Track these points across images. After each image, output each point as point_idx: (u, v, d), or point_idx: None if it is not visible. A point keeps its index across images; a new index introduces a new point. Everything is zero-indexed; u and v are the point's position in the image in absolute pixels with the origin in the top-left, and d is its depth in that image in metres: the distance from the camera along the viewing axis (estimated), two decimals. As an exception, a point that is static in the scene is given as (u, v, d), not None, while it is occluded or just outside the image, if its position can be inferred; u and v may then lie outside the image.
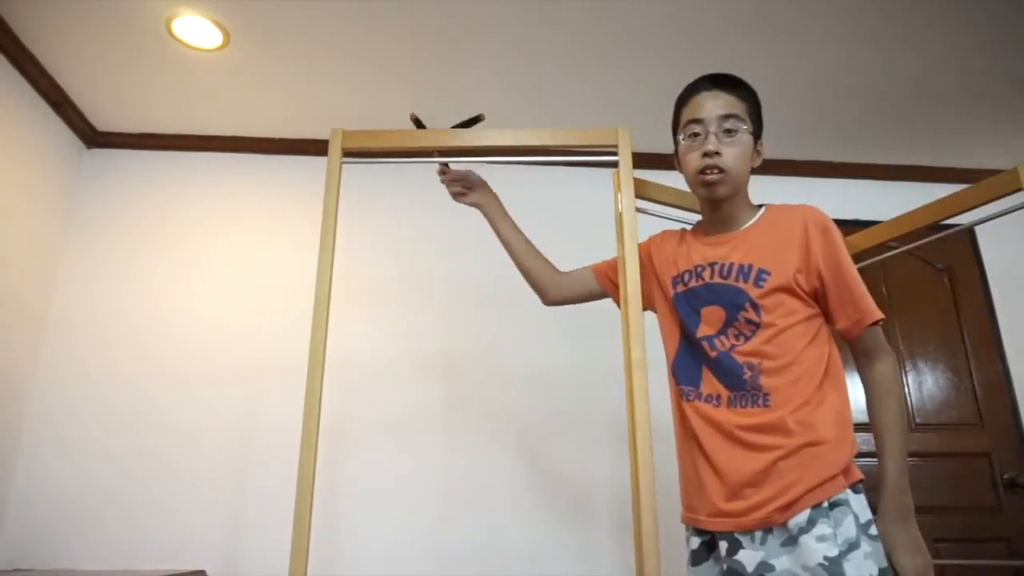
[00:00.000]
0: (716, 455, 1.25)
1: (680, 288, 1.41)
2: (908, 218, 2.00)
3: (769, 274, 1.28)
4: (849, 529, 1.13)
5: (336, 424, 2.53)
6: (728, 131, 1.31)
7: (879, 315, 1.27)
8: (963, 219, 2.04)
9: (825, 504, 1.15)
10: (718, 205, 1.37)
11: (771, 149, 3.06)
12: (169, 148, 2.87)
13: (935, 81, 2.55)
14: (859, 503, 1.18)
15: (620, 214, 1.84)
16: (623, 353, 1.79)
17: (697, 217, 2.04)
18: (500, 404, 2.64)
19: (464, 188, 1.77)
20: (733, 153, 1.31)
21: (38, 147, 2.54)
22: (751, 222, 1.37)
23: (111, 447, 2.49)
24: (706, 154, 1.31)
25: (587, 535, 2.52)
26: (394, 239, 2.83)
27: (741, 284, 1.30)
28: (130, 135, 2.86)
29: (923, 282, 2.99)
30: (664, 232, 1.55)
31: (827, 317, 1.31)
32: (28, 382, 2.51)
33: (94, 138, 2.83)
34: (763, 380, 1.24)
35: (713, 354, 1.31)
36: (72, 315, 2.63)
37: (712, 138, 1.31)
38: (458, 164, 1.87)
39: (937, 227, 2.14)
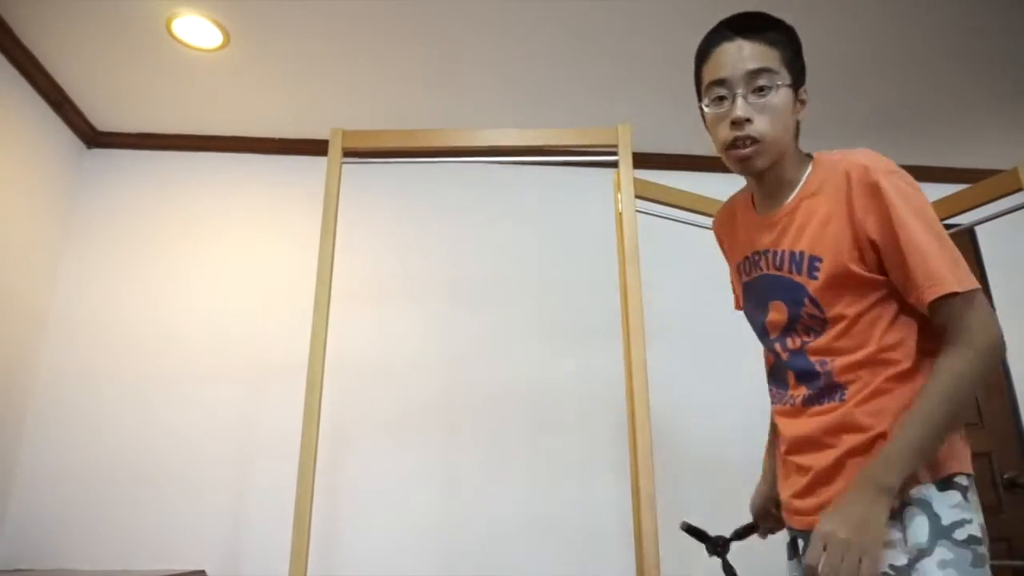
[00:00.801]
0: (791, 451, 1.15)
1: (745, 277, 1.26)
2: (908, 218, 2.00)
3: (821, 261, 1.08)
4: (920, 533, 0.97)
5: (336, 424, 2.53)
6: (759, 90, 1.09)
7: (955, 285, 0.99)
8: (963, 219, 2.05)
9: (895, 504, 0.98)
10: (760, 177, 1.17)
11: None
12: (169, 148, 2.87)
13: (935, 82, 2.55)
14: (945, 501, 0.99)
15: (620, 214, 1.84)
16: (623, 354, 1.79)
17: (702, 219, 2.02)
18: (500, 404, 2.64)
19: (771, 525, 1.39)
20: (767, 117, 1.09)
21: (38, 147, 2.54)
22: (796, 192, 1.15)
23: (111, 447, 2.49)
24: (734, 123, 1.09)
25: (587, 535, 2.52)
26: (394, 239, 2.83)
27: (795, 276, 1.12)
28: (130, 135, 2.86)
29: None
30: (724, 206, 1.35)
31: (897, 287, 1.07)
32: (28, 382, 2.51)
33: (94, 138, 2.83)
34: (838, 377, 1.08)
35: (785, 356, 1.17)
36: (72, 315, 2.63)
37: (740, 102, 1.09)
38: (459, 164, 1.87)
39: (937, 227, 2.15)
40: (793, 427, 1.14)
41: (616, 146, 1.81)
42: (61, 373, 2.56)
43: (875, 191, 1.04)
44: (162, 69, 2.46)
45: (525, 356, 2.71)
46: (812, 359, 1.12)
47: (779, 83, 1.10)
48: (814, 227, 1.10)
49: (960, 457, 1.04)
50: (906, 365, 1.05)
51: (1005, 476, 2.73)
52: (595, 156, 1.95)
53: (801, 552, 1.13)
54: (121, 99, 2.64)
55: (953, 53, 2.40)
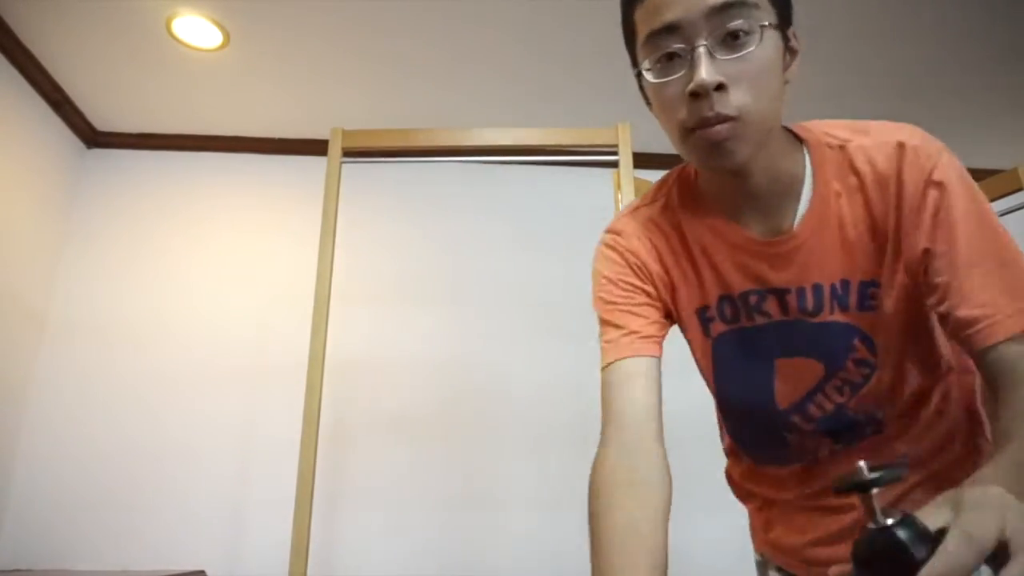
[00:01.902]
0: (810, 497, 0.91)
1: (720, 327, 0.86)
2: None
3: (878, 286, 0.77)
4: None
5: (336, 424, 2.52)
6: (733, 38, 0.69)
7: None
8: (963, 219, 2.05)
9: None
10: (743, 175, 0.77)
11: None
12: (169, 148, 2.87)
13: (935, 81, 2.55)
14: None
15: (620, 214, 1.84)
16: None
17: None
18: (500, 404, 2.64)
19: None
20: (749, 81, 0.69)
21: (38, 147, 2.54)
22: (806, 194, 0.78)
23: (111, 447, 2.49)
24: (696, 93, 0.69)
25: (587, 534, 2.51)
26: (394, 239, 2.83)
27: (839, 316, 0.79)
28: (130, 135, 2.86)
29: None
30: (646, 209, 0.90)
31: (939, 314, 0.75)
32: (28, 382, 2.51)
33: (94, 138, 2.83)
34: (894, 419, 0.84)
35: (809, 427, 0.86)
36: (72, 315, 2.63)
37: (704, 60, 0.68)
38: (459, 164, 1.87)
39: (937, 227, 2.15)
40: (810, 480, 0.90)
41: (616, 146, 1.81)
42: (60, 373, 2.56)
43: (935, 191, 0.73)
44: (162, 69, 2.46)
45: (525, 356, 2.71)
46: (858, 416, 0.83)
47: (763, 23, 0.70)
48: (856, 239, 0.77)
49: None
50: (963, 392, 0.85)
51: (1005, 476, 2.72)
52: (595, 156, 1.95)
53: None
54: (121, 99, 2.64)
55: (954, 53, 2.40)
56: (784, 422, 0.87)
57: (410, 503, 2.51)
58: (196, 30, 2.25)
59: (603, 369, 0.85)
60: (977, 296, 0.69)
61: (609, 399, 0.84)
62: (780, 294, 0.81)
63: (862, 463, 0.44)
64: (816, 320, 0.80)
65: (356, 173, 2.63)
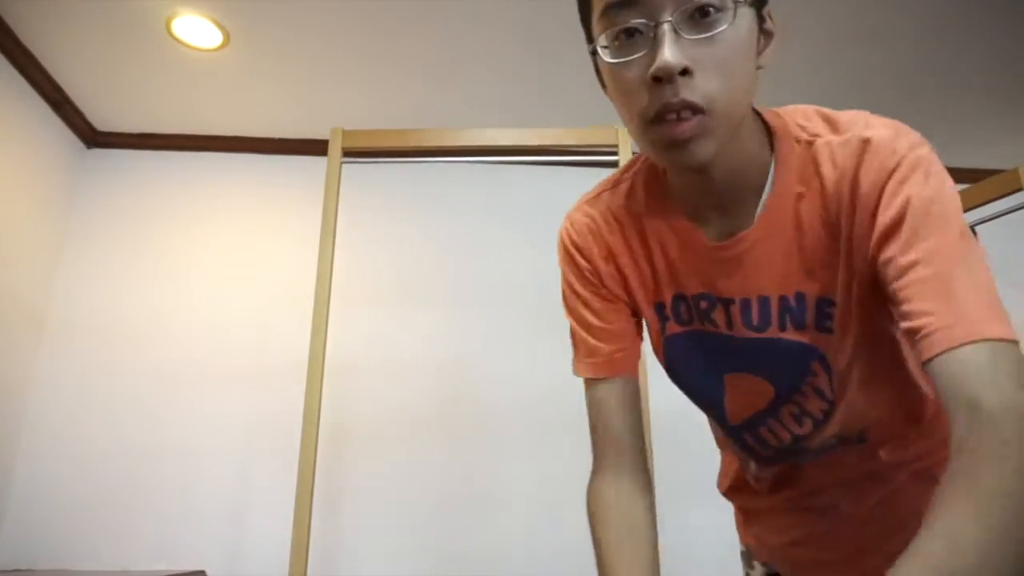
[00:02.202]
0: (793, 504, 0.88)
1: (676, 327, 0.80)
2: (908, 218, 2.00)
3: (834, 304, 0.70)
4: None
5: (336, 424, 2.52)
6: (702, 14, 0.61)
7: (997, 330, 0.58)
8: (963, 219, 2.04)
9: None
10: (704, 171, 0.68)
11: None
12: (169, 148, 2.87)
13: (935, 81, 2.55)
14: None
15: (620, 214, 1.84)
16: (623, 353, 1.79)
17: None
18: (500, 403, 2.64)
19: None
20: (718, 66, 0.62)
21: (38, 147, 2.54)
22: (767, 191, 0.70)
23: (111, 447, 2.49)
24: (659, 78, 0.61)
25: (588, 534, 2.51)
26: (394, 239, 2.83)
27: (792, 334, 0.72)
28: (130, 135, 2.86)
29: None
30: (605, 200, 0.84)
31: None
32: (28, 382, 2.51)
33: (94, 138, 2.83)
34: (879, 449, 0.78)
35: (767, 452, 0.82)
36: (72, 315, 2.63)
37: (669, 39, 0.60)
38: (459, 164, 1.87)
39: (937, 227, 2.15)
40: (788, 485, 0.87)
41: (616, 146, 1.81)
42: (60, 373, 2.56)
43: (893, 186, 0.65)
44: (162, 69, 2.46)
45: (525, 355, 2.71)
46: (824, 449, 0.79)
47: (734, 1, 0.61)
48: (815, 250, 0.69)
49: None
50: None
51: (1005, 476, 2.72)
52: (595, 156, 1.95)
53: None
54: (121, 99, 2.64)
55: (954, 53, 2.39)
56: (739, 438, 0.83)
57: (410, 503, 2.51)
58: (196, 30, 2.25)
59: (584, 382, 0.84)
60: (922, 304, 0.60)
61: (593, 422, 0.84)
62: (726, 304, 0.73)
63: None
64: (763, 336, 0.73)
65: (356, 173, 2.62)
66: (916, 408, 0.77)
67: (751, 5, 0.64)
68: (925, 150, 0.67)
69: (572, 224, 0.87)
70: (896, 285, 0.62)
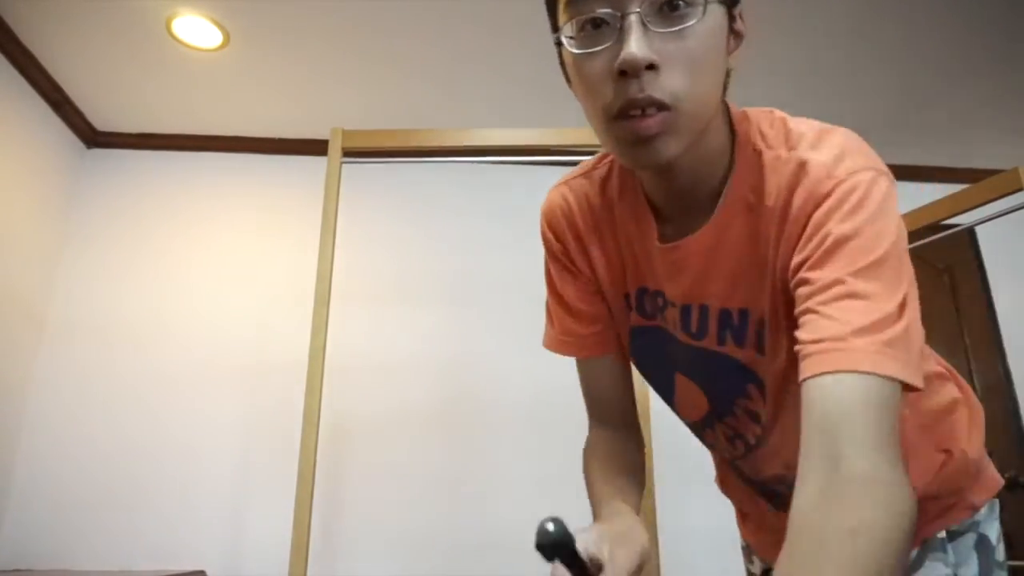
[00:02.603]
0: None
1: (636, 319, 0.79)
2: (908, 218, 2.00)
3: (764, 326, 0.70)
4: (973, 566, 0.77)
5: (336, 424, 2.52)
6: (669, 6, 0.59)
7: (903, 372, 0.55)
8: (963, 219, 2.05)
9: (941, 535, 0.77)
10: (667, 171, 0.67)
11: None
12: (169, 148, 2.87)
13: (935, 81, 2.54)
14: (992, 522, 0.81)
15: (620, 214, 1.84)
16: (623, 353, 1.79)
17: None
18: (500, 403, 2.64)
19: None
20: (686, 61, 0.60)
21: (38, 147, 2.54)
22: (723, 199, 0.68)
23: (111, 447, 2.49)
24: (624, 71, 0.59)
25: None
26: (394, 239, 2.83)
27: (731, 350, 0.71)
28: (130, 135, 2.86)
29: (923, 282, 2.92)
30: (582, 185, 0.81)
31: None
32: (27, 382, 2.51)
33: (94, 138, 2.83)
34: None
35: (728, 456, 0.85)
36: (72, 315, 2.63)
37: (636, 31, 0.58)
38: (459, 164, 1.87)
39: (937, 227, 2.15)
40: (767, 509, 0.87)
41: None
42: (60, 373, 2.55)
43: (824, 212, 0.61)
44: (162, 69, 2.46)
45: (525, 355, 2.70)
46: (770, 477, 0.78)
47: None
48: (755, 266, 0.67)
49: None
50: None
51: (1005, 476, 2.73)
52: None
53: None
54: (121, 99, 2.64)
55: (953, 53, 2.39)
56: (698, 435, 0.85)
57: (410, 502, 2.50)
58: (196, 30, 2.25)
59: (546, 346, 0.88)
60: (812, 329, 0.57)
61: (584, 390, 0.88)
62: (672, 306, 0.73)
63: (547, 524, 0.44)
64: (700, 345, 0.71)
65: (356, 173, 2.63)
66: None
67: (721, 2, 0.62)
68: (866, 177, 0.61)
69: (549, 204, 0.84)
70: (798, 310, 0.59)
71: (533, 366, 2.69)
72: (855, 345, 0.54)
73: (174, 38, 2.29)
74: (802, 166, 0.62)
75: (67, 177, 2.73)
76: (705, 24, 0.59)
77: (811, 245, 0.60)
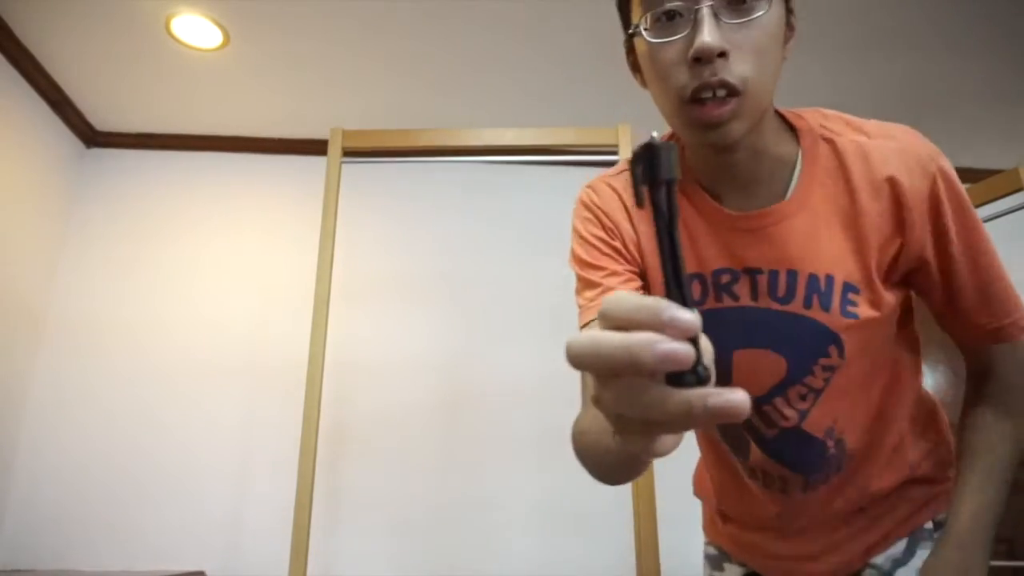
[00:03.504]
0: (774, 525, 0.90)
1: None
2: (908, 218, 1.99)
3: (859, 293, 0.74)
4: None
5: (335, 424, 2.52)
6: (739, 2, 0.66)
7: None
8: (963, 219, 2.04)
9: (928, 525, 0.86)
10: (731, 150, 0.73)
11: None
12: (169, 148, 2.87)
13: (935, 82, 2.54)
14: None
15: (620, 214, 1.84)
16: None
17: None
18: (500, 404, 2.64)
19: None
20: (753, 50, 0.66)
21: (38, 147, 2.53)
22: (795, 178, 0.75)
23: (110, 447, 2.49)
24: (699, 58, 0.65)
25: (587, 535, 2.51)
26: (393, 239, 2.83)
27: (817, 313, 0.75)
28: (130, 135, 2.86)
29: None
30: (608, 184, 0.87)
31: (936, 318, 0.82)
32: (27, 382, 2.51)
33: (94, 138, 2.83)
34: (850, 445, 0.82)
35: (771, 432, 0.82)
36: (71, 315, 2.63)
37: (708, 23, 0.64)
38: (459, 164, 1.87)
39: (937, 227, 2.14)
40: (774, 510, 0.90)
41: (616, 146, 1.81)
42: (60, 372, 2.55)
43: (946, 190, 0.73)
44: (162, 69, 2.46)
45: (525, 355, 2.71)
46: (817, 434, 0.81)
47: None
48: (839, 239, 0.73)
49: None
50: (908, 399, 0.87)
51: (1005, 476, 2.73)
52: (595, 156, 1.95)
53: None
54: (121, 99, 2.64)
55: (953, 53, 2.39)
56: (743, 421, 0.83)
57: (410, 503, 2.50)
58: (196, 30, 2.25)
59: (581, 329, 0.80)
60: (993, 300, 0.76)
61: None
62: (752, 274, 0.76)
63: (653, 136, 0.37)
64: (786, 309, 0.75)
65: (356, 173, 2.63)
66: (890, 412, 0.84)
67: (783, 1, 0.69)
68: (944, 157, 0.75)
69: (595, 190, 0.87)
70: (959, 281, 0.75)
71: (533, 366, 2.69)
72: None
73: (174, 38, 2.29)
74: (902, 152, 0.73)
75: (67, 177, 2.73)
76: (770, 16, 0.66)
77: (941, 226, 0.73)
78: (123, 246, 2.73)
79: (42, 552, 2.37)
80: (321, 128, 2.80)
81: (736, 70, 0.65)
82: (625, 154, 1.80)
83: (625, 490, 2.44)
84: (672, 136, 0.83)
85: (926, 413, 0.90)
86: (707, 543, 1.04)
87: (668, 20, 0.67)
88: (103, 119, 2.77)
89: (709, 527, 1.03)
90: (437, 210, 2.88)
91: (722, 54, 0.64)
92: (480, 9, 2.18)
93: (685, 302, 0.35)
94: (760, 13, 0.65)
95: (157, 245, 2.75)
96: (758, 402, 0.81)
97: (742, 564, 0.98)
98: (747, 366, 0.79)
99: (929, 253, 0.74)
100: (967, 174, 3.09)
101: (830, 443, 0.81)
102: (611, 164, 1.84)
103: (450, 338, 2.71)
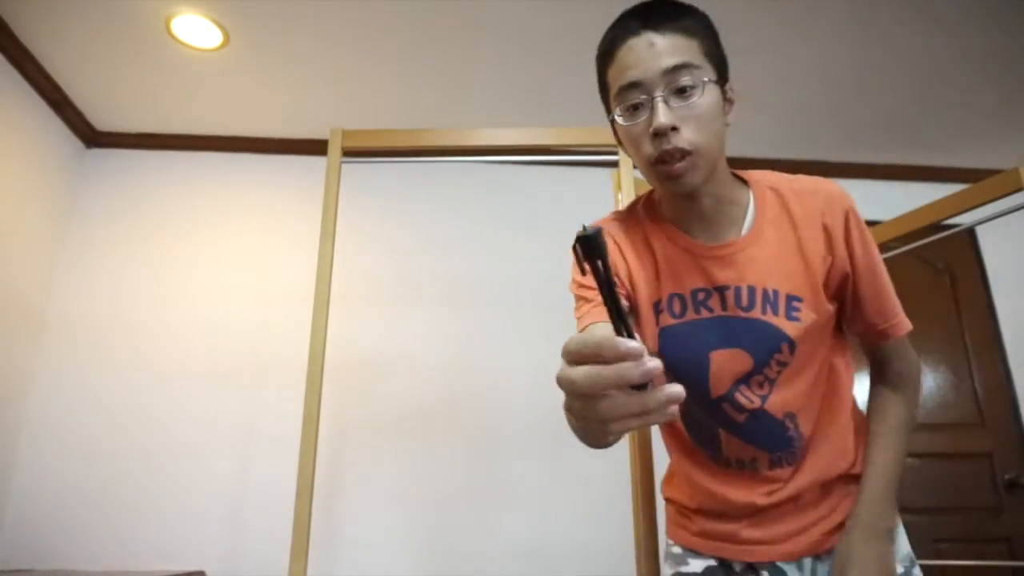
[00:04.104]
0: (739, 489, 1.06)
1: (670, 320, 1.02)
2: (908, 218, 1.99)
3: (802, 301, 0.97)
4: (904, 542, 1.04)
5: (336, 424, 2.52)
6: (681, 92, 0.90)
7: (909, 325, 1.04)
8: (963, 219, 2.04)
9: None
10: (695, 197, 0.98)
11: (770, 150, 3.07)
12: (169, 148, 2.87)
13: (935, 82, 2.54)
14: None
15: (620, 214, 1.84)
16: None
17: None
18: (500, 403, 2.64)
19: None
20: (696, 123, 0.90)
21: (38, 147, 2.54)
22: (749, 219, 1.00)
23: (110, 447, 2.49)
24: (658, 133, 0.89)
25: (587, 533, 2.51)
26: (394, 239, 2.83)
27: (772, 318, 0.97)
28: (130, 135, 2.86)
29: (924, 282, 2.99)
30: (621, 220, 1.09)
31: (844, 320, 1.05)
32: (27, 382, 2.51)
33: (94, 138, 2.83)
34: (804, 428, 1.03)
35: (741, 417, 1.02)
36: (71, 315, 2.63)
37: (661, 108, 0.89)
38: (459, 164, 1.87)
39: (937, 227, 2.14)
40: (745, 493, 1.05)
41: (616, 146, 1.80)
42: (60, 372, 2.55)
43: (855, 222, 0.99)
44: (162, 69, 2.46)
45: (525, 356, 2.71)
46: (777, 415, 1.01)
47: (704, 79, 0.91)
48: (785, 258, 0.97)
49: None
50: (848, 393, 1.08)
51: (1006, 476, 2.73)
52: (595, 156, 1.95)
53: None
54: (121, 99, 2.64)
55: (953, 53, 2.39)
56: (717, 409, 1.03)
57: (410, 503, 2.50)
58: (196, 30, 2.25)
59: (579, 332, 0.99)
60: (883, 307, 1.02)
61: None
62: (722, 291, 0.99)
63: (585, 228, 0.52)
64: (749, 316, 0.98)
65: (356, 173, 2.63)
66: (834, 397, 1.06)
67: (716, 83, 0.93)
68: (853, 200, 1.01)
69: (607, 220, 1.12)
70: (867, 283, 1.00)
71: (533, 365, 2.69)
72: (902, 318, 1.03)
73: (174, 38, 2.29)
74: (825, 195, 0.99)
75: (67, 177, 2.73)
76: (705, 98, 0.91)
77: (861, 241, 0.99)
78: (123, 246, 2.74)
79: (42, 552, 2.37)
80: (321, 128, 2.80)
81: (685, 137, 0.90)
82: (625, 154, 1.80)
83: (626, 483, 2.44)
84: (650, 193, 1.09)
85: (859, 425, 1.08)
86: (671, 544, 1.15)
87: (634, 110, 0.92)
88: (103, 119, 2.77)
89: (673, 529, 1.16)
90: (437, 210, 2.88)
91: (674, 128, 0.89)
92: (480, 9, 2.18)
93: (630, 334, 0.51)
94: (696, 97, 0.90)
95: (157, 245, 2.75)
96: (729, 392, 1.01)
97: (711, 556, 1.09)
98: (720, 363, 1.00)
99: (848, 267, 0.98)
100: (967, 174, 3.09)
101: (789, 424, 1.01)
102: (611, 164, 1.84)
103: (450, 338, 2.71)
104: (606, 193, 2.61)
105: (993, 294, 2.97)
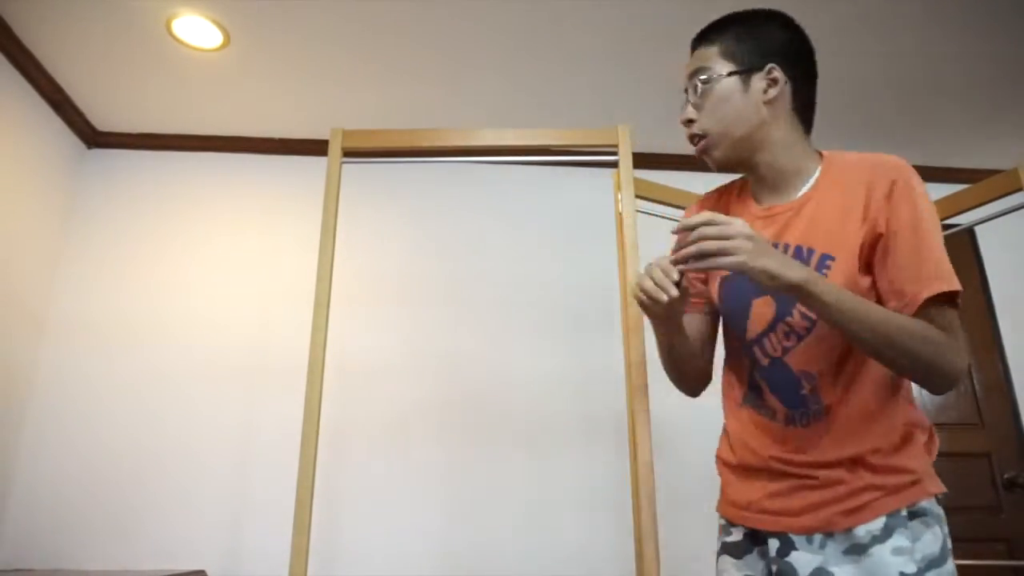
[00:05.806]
0: (766, 462, 1.11)
1: (727, 272, 1.17)
2: (908, 218, 1.99)
3: (834, 260, 1.04)
4: (931, 545, 1.00)
5: (336, 425, 2.53)
6: (697, 89, 1.14)
7: (957, 285, 0.99)
8: (963, 219, 2.05)
9: (904, 512, 1.01)
10: (752, 168, 1.15)
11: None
12: (169, 148, 2.87)
13: (935, 81, 2.55)
14: (942, 518, 1.05)
15: (620, 214, 1.84)
16: (623, 352, 1.79)
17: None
18: (500, 404, 2.64)
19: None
20: (707, 112, 1.12)
21: (38, 147, 2.54)
22: (808, 185, 1.11)
23: (111, 447, 2.49)
24: (683, 124, 1.16)
25: (588, 534, 2.52)
26: (394, 239, 2.83)
27: None
28: (130, 135, 2.86)
29: None
30: (717, 191, 1.30)
31: (879, 291, 1.04)
32: (28, 382, 2.51)
33: (94, 138, 2.83)
34: (823, 395, 1.06)
35: (765, 361, 1.12)
36: (72, 315, 2.63)
37: (686, 107, 1.15)
38: (459, 164, 1.87)
39: (937, 227, 2.14)
40: (768, 444, 1.11)
41: (616, 146, 1.81)
42: (60, 373, 2.56)
43: (903, 187, 1.01)
44: (162, 69, 2.46)
45: (525, 356, 2.71)
46: (795, 371, 1.08)
47: (716, 75, 1.12)
48: (829, 220, 1.06)
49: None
50: (887, 377, 1.05)
51: (1005, 476, 2.73)
52: (595, 156, 1.95)
53: (774, 553, 1.08)
54: (121, 99, 2.64)
55: (953, 53, 2.40)
56: (749, 351, 1.14)
57: (410, 503, 2.51)
58: (196, 30, 2.25)
59: None
60: (935, 261, 1.00)
61: None
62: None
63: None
64: None
65: (356, 173, 2.63)
66: (859, 365, 1.06)
67: (731, 75, 1.11)
68: (914, 173, 1.04)
69: (697, 201, 1.34)
70: (903, 242, 1.01)
71: (534, 366, 2.69)
72: (954, 279, 1.01)
73: (174, 38, 2.29)
74: (875, 164, 1.05)
75: (67, 177, 2.73)
76: (718, 87, 1.12)
77: (906, 203, 1.01)
78: (123, 246, 2.74)
79: (42, 552, 2.37)
80: (321, 128, 2.80)
81: (701, 124, 1.14)
82: (624, 154, 1.80)
83: (625, 484, 2.45)
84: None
85: (905, 429, 1.06)
86: (719, 517, 1.24)
87: (684, 94, 1.17)
88: (104, 119, 2.77)
89: (719, 503, 1.23)
90: (437, 210, 2.88)
91: (691, 120, 1.15)
92: (480, 9, 2.19)
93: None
94: (708, 91, 1.12)
95: (157, 245, 2.75)
96: (760, 336, 1.12)
97: (742, 526, 1.16)
98: (758, 309, 1.12)
99: (883, 227, 1.01)
100: (967, 174, 3.09)
101: (805, 383, 1.07)
102: (611, 164, 1.84)
103: (450, 338, 2.71)
104: (606, 193, 2.62)
105: (992, 294, 2.97)
